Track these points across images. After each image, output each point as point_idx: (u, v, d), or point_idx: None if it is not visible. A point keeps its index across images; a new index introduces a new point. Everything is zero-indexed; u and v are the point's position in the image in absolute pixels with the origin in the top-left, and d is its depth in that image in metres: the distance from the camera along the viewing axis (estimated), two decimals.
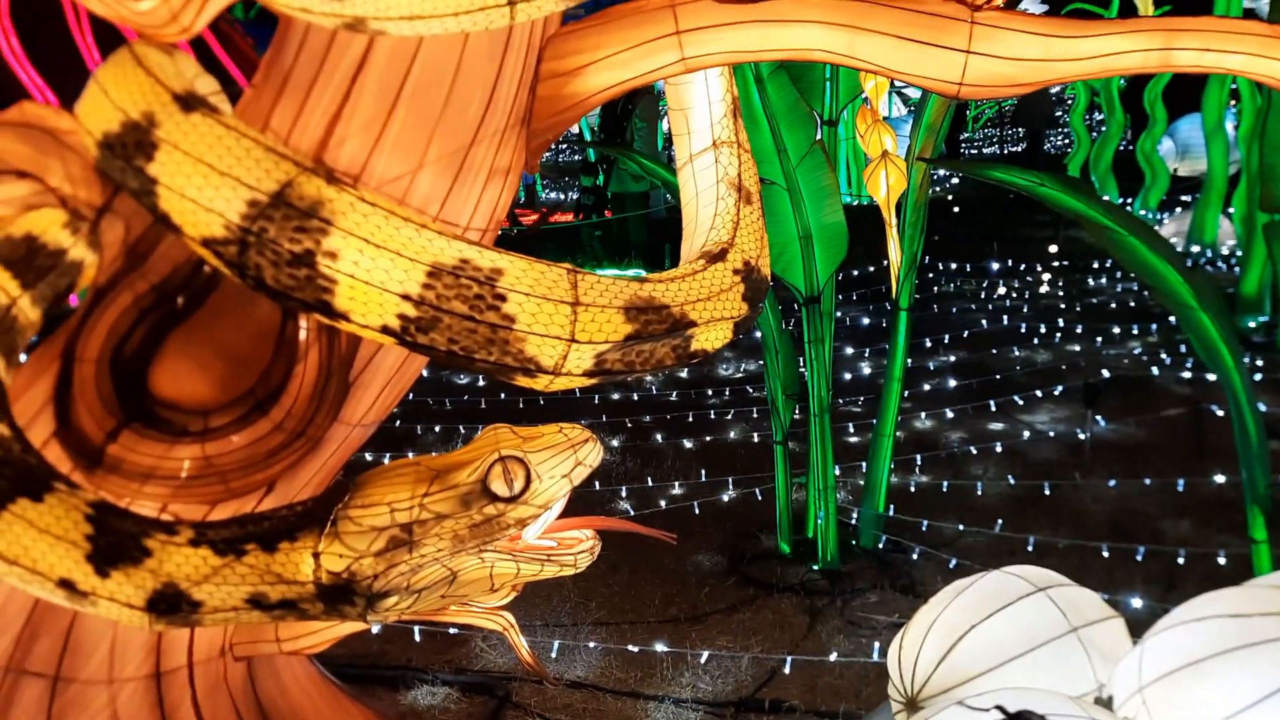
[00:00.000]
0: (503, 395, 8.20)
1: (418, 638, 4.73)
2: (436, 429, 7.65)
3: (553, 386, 1.74)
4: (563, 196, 21.38)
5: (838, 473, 5.66)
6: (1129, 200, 17.06)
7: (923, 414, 7.87)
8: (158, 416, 1.98)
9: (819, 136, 4.92)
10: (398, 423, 7.50)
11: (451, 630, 4.74)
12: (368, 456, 6.36)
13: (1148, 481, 6.40)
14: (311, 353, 2.00)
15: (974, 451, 7.11)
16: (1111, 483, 6.45)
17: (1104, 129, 18.00)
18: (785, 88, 4.57)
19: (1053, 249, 13.79)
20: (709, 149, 2.21)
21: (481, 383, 8.66)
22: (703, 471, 6.67)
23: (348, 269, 1.60)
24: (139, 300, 2.00)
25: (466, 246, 1.67)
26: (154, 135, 1.66)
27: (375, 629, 4.55)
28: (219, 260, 1.66)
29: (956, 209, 19.35)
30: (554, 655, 4.62)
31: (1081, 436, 7.25)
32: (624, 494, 6.42)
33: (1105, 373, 8.77)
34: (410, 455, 7.09)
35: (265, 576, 1.72)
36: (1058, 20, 1.80)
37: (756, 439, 7.40)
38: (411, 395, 6.08)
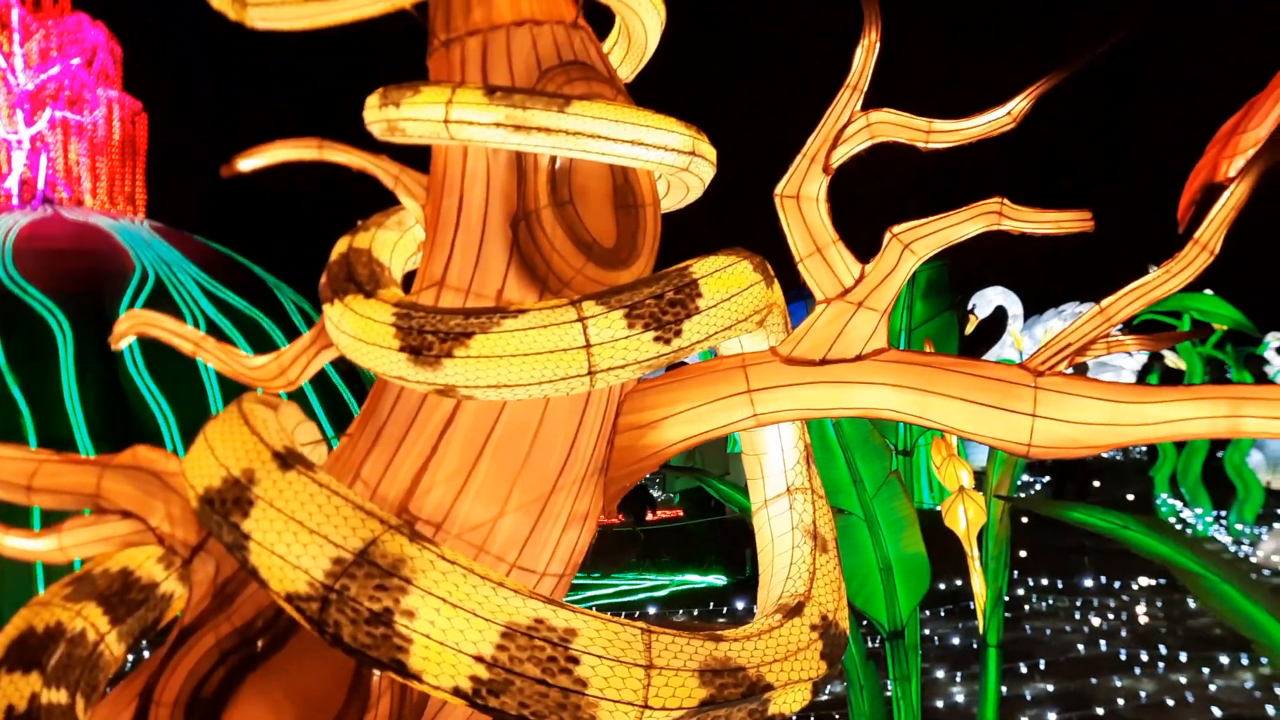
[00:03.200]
0: None
1: None
2: None
3: None
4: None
5: None
6: (1223, 514, 16.53)
7: None
8: None
9: (893, 467, 4.95)
10: None
11: None
12: None
13: None
14: (383, 701, 1.98)
15: None
16: None
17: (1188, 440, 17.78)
18: (858, 420, 4.67)
19: (1148, 580, 13.22)
20: (783, 495, 2.25)
21: None
22: None
23: (423, 628, 1.62)
24: (221, 642, 2.03)
25: (542, 605, 1.68)
26: (251, 493, 1.75)
27: None
28: (300, 615, 1.70)
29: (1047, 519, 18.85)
30: None
31: None
32: None
33: (1216, 710, 8.16)
34: None
35: None
36: (1123, 386, 1.84)
37: None
38: None
